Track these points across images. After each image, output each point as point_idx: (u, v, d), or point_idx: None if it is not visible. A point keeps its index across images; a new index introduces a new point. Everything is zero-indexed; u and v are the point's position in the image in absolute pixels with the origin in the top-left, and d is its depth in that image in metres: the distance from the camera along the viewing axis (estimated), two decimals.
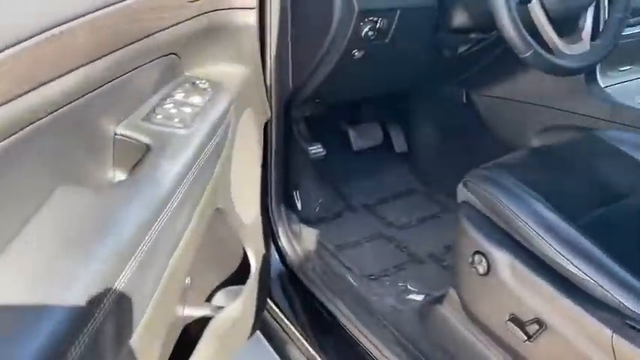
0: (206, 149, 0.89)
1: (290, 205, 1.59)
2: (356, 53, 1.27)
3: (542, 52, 1.10)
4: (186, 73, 1.02)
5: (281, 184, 1.50)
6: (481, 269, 1.07)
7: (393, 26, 1.25)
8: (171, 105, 0.90)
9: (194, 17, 0.96)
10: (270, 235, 1.50)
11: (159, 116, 0.87)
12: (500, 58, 1.57)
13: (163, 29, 0.87)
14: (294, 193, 1.68)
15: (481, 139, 1.74)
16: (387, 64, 1.39)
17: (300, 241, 1.54)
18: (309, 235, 1.60)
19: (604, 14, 1.24)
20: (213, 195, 0.95)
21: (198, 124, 0.89)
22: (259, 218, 1.32)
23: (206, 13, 1.00)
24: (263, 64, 1.32)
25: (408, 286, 1.47)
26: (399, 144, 1.87)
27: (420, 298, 1.42)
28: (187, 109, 0.90)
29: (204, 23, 1.00)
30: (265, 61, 1.32)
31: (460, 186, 1.18)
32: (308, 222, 1.69)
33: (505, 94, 1.65)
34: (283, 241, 1.50)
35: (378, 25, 1.22)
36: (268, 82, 1.35)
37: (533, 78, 1.55)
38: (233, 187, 1.09)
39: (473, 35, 1.39)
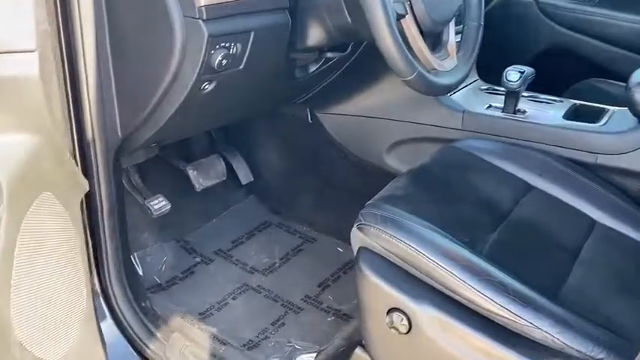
0: None
1: (130, 277, 1.26)
2: (207, 86, 1.02)
3: (425, 73, 0.99)
4: None
5: (120, 255, 1.17)
6: (402, 329, 0.93)
7: (248, 50, 1.02)
8: None
9: None
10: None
11: None
12: (344, 74, 1.46)
13: None
14: (132, 258, 1.35)
15: (330, 158, 1.62)
16: (239, 92, 1.16)
17: (152, 319, 1.23)
18: (163, 309, 1.30)
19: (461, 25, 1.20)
20: None
21: None
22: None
23: None
24: (79, 114, 0.99)
25: (295, 346, 1.27)
26: (244, 175, 1.65)
27: (312, 357, 1.24)
28: None
29: None
30: (82, 110, 0.99)
31: (354, 230, 1.02)
32: (157, 290, 1.37)
33: (351, 110, 1.54)
34: (134, 327, 1.18)
35: (231, 51, 0.99)
36: (89, 136, 1.03)
37: (378, 92, 1.48)
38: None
39: (329, 54, 1.23)
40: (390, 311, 0.94)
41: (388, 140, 1.50)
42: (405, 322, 0.92)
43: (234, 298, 1.40)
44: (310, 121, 1.58)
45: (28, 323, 0.70)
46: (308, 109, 1.56)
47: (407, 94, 1.32)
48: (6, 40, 0.67)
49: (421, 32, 1.02)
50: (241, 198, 1.69)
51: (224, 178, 1.57)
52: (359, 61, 1.40)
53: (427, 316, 0.91)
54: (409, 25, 0.99)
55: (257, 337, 1.29)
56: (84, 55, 0.96)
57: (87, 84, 0.99)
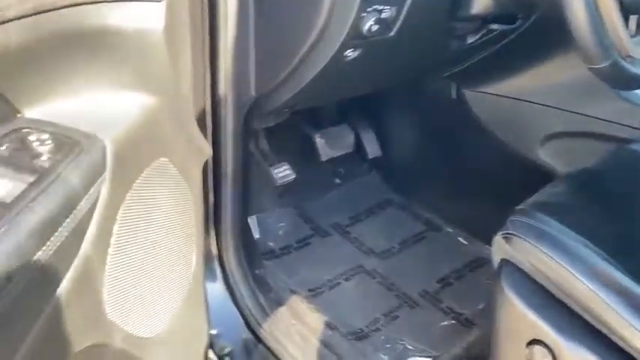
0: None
1: (246, 240, 1.22)
2: (350, 54, 0.91)
3: (621, 61, 0.79)
4: (26, 114, 0.59)
5: (239, 219, 1.13)
6: None
7: (402, 16, 0.89)
8: None
9: (38, 14, 0.53)
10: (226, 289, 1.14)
11: None
12: (504, 49, 1.26)
13: None
14: (251, 222, 1.31)
15: (472, 141, 1.44)
16: (385, 62, 1.04)
17: (264, 289, 1.19)
18: (274, 278, 1.25)
19: None
20: None
21: None
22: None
23: (70, 6, 0.57)
24: (213, 69, 0.93)
25: (407, 345, 1.17)
26: (372, 148, 1.53)
27: None
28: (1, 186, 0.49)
29: (63, 25, 0.57)
30: (217, 65, 0.93)
31: (498, 239, 0.87)
32: (270, 257, 1.33)
33: (504, 90, 1.34)
34: (245, 296, 1.14)
35: (383, 16, 0.86)
36: (222, 92, 0.97)
37: (542, 73, 1.26)
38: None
39: (494, 25, 1.06)
40: (531, 343, 0.79)
41: (545, 130, 1.29)
42: (550, 359, 0.78)
43: (346, 279, 1.32)
44: (454, 98, 1.41)
45: (124, 297, 0.66)
46: (454, 84, 1.39)
47: (578, 79, 1.11)
48: None
49: (620, 5, 0.81)
50: (365, 173, 1.58)
51: (350, 150, 1.48)
52: (525, 36, 1.20)
53: (577, 356, 0.75)
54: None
55: (367, 327, 1.20)
56: (226, 5, 0.89)
57: (225, 38, 0.92)
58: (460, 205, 1.47)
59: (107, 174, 0.57)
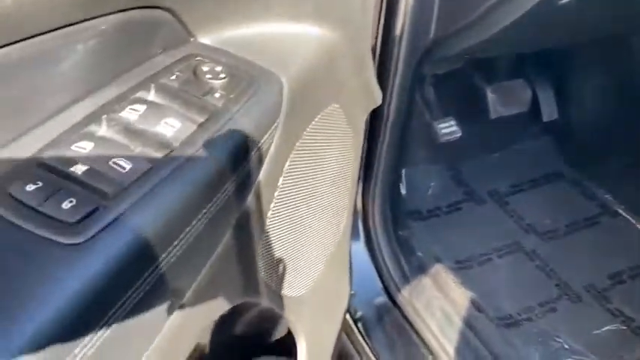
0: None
1: (394, 196, 1.11)
2: None
3: None
4: (200, 39, 0.51)
5: (391, 172, 1.02)
6: None
7: None
8: (136, 112, 0.41)
9: None
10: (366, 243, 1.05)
11: (102, 132, 0.39)
12: None
13: None
14: (401, 175, 1.20)
15: None
16: (603, 6, 0.83)
17: (406, 252, 1.09)
18: (419, 242, 1.14)
19: None
20: None
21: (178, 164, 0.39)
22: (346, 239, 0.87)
23: None
24: (390, 5, 0.80)
25: (564, 344, 1.01)
26: (549, 110, 1.32)
27: None
28: (167, 124, 0.40)
29: None
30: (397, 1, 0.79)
31: None
32: (416, 219, 1.22)
33: None
34: (386, 257, 1.05)
35: None
36: (398, 29, 0.84)
37: None
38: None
39: None
40: None
41: None
42: None
43: (500, 256, 1.17)
44: None
45: (278, 254, 0.59)
46: None
47: None
48: None
49: None
50: (536, 137, 1.37)
51: (525, 109, 1.28)
52: None
53: None
54: None
55: (519, 314, 1.06)
56: None
57: None
58: None
59: (281, 119, 0.48)
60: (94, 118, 0.40)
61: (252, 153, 0.44)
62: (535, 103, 1.31)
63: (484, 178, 1.32)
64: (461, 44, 0.89)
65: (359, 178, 1.04)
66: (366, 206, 1.06)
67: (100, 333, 0.33)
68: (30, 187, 0.34)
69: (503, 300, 1.08)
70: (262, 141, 0.46)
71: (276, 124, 0.48)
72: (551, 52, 1.29)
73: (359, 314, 1.02)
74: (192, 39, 0.49)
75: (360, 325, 1.04)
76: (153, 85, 0.43)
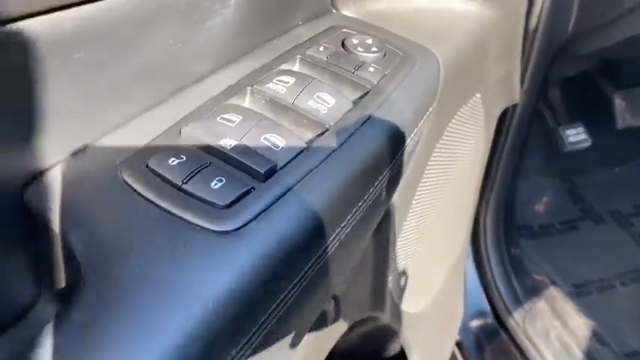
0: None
1: (507, 209, 1.01)
2: None
3: None
4: (342, 11, 0.44)
5: (506, 181, 0.93)
6: None
7: None
8: (283, 85, 0.35)
9: None
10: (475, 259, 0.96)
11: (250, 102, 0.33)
12: None
13: None
14: (516, 186, 1.10)
15: None
16: None
17: (519, 273, 0.99)
18: (531, 261, 1.04)
19: None
20: None
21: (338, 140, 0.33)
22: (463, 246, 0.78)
23: None
24: None
25: None
26: None
27: None
28: (319, 100, 0.34)
29: None
30: None
31: None
32: (526, 235, 1.11)
33: None
34: (496, 276, 0.95)
35: None
36: (534, 20, 0.75)
37: None
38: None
39: None
40: None
41: None
42: None
43: (623, 283, 1.04)
44: None
45: (404, 264, 0.51)
46: None
47: None
48: None
49: None
50: None
51: None
52: None
53: None
54: None
55: None
56: None
57: None
58: None
59: (435, 103, 0.41)
60: (237, 88, 0.34)
61: (409, 140, 0.38)
62: None
63: (604, 195, 1.18)
64: (600, 42, 0.78)
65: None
66: (477, 220, 0.97)
67: (254, 337, 0.28)
68: (172, 161, 0.29)
69: (629, 333, 0.95)
70: (419, 126, 0.39)
71: (432, 108, 0.41)
72: None
73: (461, 335, 0.93)
74: (334, 11, 0.44)
75: (463, 346, 0.94)
76: (299, 57, 0.37)
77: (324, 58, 0.38)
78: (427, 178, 0.49)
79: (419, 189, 0.48)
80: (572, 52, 0.85)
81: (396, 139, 0.36)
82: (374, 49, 0.39)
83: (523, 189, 1.16)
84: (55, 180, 0.29)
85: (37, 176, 0.29)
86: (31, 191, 0.28)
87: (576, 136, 0.94)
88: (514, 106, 0.84)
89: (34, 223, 0.29)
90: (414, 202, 0.48)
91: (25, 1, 0.23)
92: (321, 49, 0.38)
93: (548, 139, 1.02)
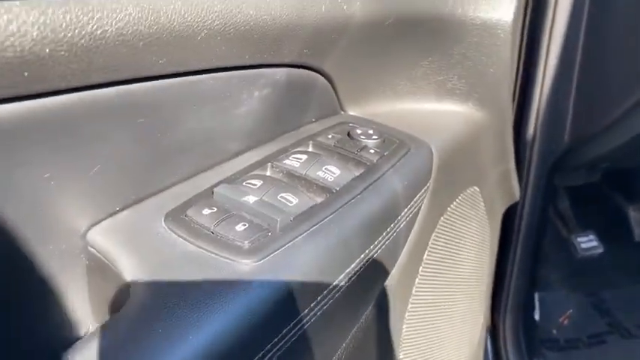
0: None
1: (526, 318, 1.02)
2: None
3: None
4: (350, 112, 0.53)
5: (523, 290, 0.95)
6: None
7: None
8: (298, 160, 0.42)
9: None
10: None
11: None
12: None
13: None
14: (534, 297, 1.11)
15: None
16: None
17: None
18: None
19: None
20: None
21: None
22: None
23: None
24: (527, 99, 0.79)
25: None
26: None
27: None
28: (327, 170, 0.41)
29: (408, 8, 0.49)
30: (530, 97, 0.79)
31: None
32: (552, 348, 1.09)
33: None
34: None
35: None
36: (530, 131, 0.82)
37: None
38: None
39: None
40: None
41: None
42: None
43: None
44: None
45: (414, 351, 0.54)
46: None
47: None
48: None
49: None
50: None
51: None
52: None
53: None
54: None
55: None
56: (552, 23, 0.75)
57: (544, 63, 0.78)
58: None
59: (430, 185, 0.48)
60: (260, 164, 0.43)
61: (405, 211, 0.44)
62: None
63: (631, 309, 1.17)
64: (599, 149, 0.85)
65: (491, 294, 0.98)
66: (496, 324, 0.98)
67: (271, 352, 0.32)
68: (206, 211, 0.37)
69: None
70: (413, 201, 0.46)
71: (426, 187, 0.48)
72: None
73: None
74: (342, 112, 0.53)
75: None
76: (311, 142, 0.46)
77: (332, 144, 0.46)
78: (433, 255, 0.54)
79: (427, 265, 0.53)
80: (574, 160, 0.91)
81: (391, 207, 0.43)
82: (374, 136, 0.47)
83: (547, 302, 1.17)
84: (113, 224, 0.36)
85: (100, 221, 0.36)
86: (94, 232, 0.35)
87: (587, 243, 0.98)
88: (520, 218, 0.89)
89: (94, 260, 0.36)
90: (421, 277, 0.52)
91: (111, 69, 0.32)
92: (330, 136, 0.47)
93: (563, 249, 1.06)
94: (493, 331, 0.99)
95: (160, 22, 0.31)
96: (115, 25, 0.29)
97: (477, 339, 0.79)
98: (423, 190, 0.47)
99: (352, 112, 0.54)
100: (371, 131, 0.48)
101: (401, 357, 0.54)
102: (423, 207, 0.48)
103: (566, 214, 1.03)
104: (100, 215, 0.36)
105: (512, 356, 0.97)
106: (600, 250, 0.99)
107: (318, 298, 0.36)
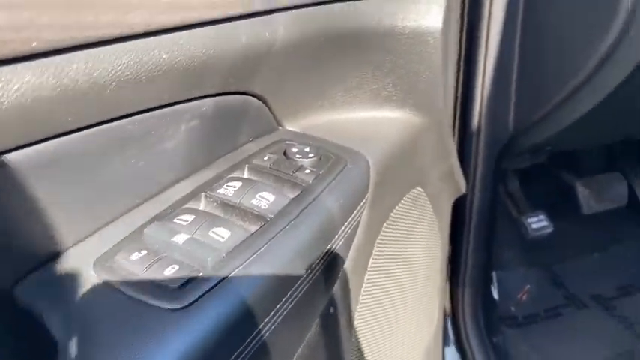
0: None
1: (485, 299, 1.05)
2: None
3: None
4: (287, 127, 0.53)
5: (479, 273, 0.98)
6: None
7: None
8: (232, 188, 0.43)
9: (307, 6, 0.46)
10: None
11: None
12: None
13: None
14: (492, 276, 1.14)
15: None
16: None
17: (501, 359, 1.00)
18: (516, 351, 1.05)
19: None
20: None
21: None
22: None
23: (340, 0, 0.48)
24: (469, 93, 0.81)
25: None
26: None
27: None
28: (261, 198, 0.41)
29: (331, 23, 0.48)
30: (472, 91, 0.80)
31: None
32: (511, 325, 1.13)
33: None
34: (477, 358, 0.97)
35: None
36: (475, 123, 0.84)
37: None
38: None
39: None
40: None
41: None
42: None
43: None
44: None
45: (365, 353, 0.55)
46: None
47: None
48: None
49: None
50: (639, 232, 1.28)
51: (622, 204, 1.21)
52: None
53: None
54: None
55: None
56: (488, 22, 0.76)
57: (484, 60, 0.80)
58: None
59: (369, 197, 0.49)
60: (193, 195, 0.42)
61: (343, 228, 0.44)
62: (634, 196, 1.24)
63: (586, 281, 1.22)
64: (541, 135, 0.87)
65: (447, 279, 1.00)
66: (455, 308, 1.01)
67: None
68: (135, 256, 0.36)
69: None
70: (352, 217, 0.46)
71: (365, 201, 0.48)
72: None
73: None
74: (279, 127, 0.53)
75: None
76: (247, 166, 0.45)
77: (268, 165, 0.45)
78: (379, 260, 0.55)
79: (372, 272, 0.54)
80: (519, 146, 0.93)
81: (327, 228, 0.43)
82: (311, 154, 0.47)
83: (505, 280, 1.20)
84: (41, 277, 0.35)
85: (26, 275, 0.35)
86: (20, 287, 0.34)
87: (538, 223, 1.00)
88: (471, 204, 0.91)
89: (21, 315, 0.35)
90: (367, 285, 0.53)
91: (17, 136, 0.31)
92: (266, 158, 0.46)
93: (515, 230, 1.09)
94: (453, 316, 1.02)
95: (64, 83, 0.30)
96: (13, 95, 0.28)
97: (434, 329, 0.81)
98: (361, 204, 0.47)
99: (290, 126, 0.53)
100: (307, 149, 0.48)
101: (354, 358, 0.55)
102: (362, 219, 0.49)
103: (517, 196, 1.06)
104: (26, 269, 0.35)
105: (473, 338, 1.00)
106: (550, 230, 1.02)
107: (256, 331, 0.36)
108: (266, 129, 0.51)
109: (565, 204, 1.19)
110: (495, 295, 1.18)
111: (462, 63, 0.81)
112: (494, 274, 1.19)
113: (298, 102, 0.52)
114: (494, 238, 1.01)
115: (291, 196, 0.43)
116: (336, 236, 0.44)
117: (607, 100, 0.76)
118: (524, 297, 1.20)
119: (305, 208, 0.42)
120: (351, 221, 0.46)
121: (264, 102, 0.49)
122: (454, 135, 0.86)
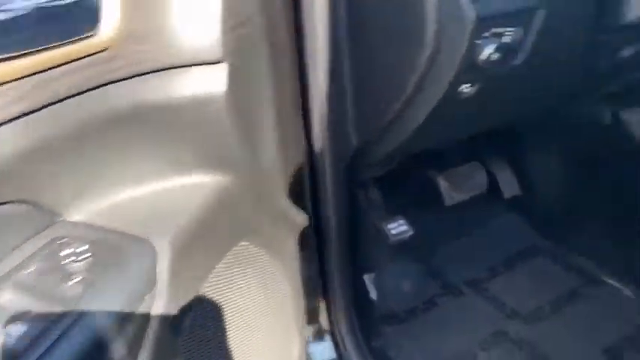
0: None
1: (362, 301, 1.08)
2: (465, 90, 0.74)
3: None
4: (68, 218, 0.51)
5: (348, 288, 1.00)
6: None
7: (532, 37, 0.70)
8: None
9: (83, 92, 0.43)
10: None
11: None
12: None
13: None
14: (366, 280, 1.17)
15: (632, 173, 1.16)
16: (511, 94, 0.85)
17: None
18: (398, 349, 1.09)
19: None
20: None
21: None
22: None
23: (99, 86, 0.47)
24: (306, 117, 0.81)
25: None
26: (509, 187, 1.31)
27: None
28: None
29: (102, 107, 0.47)
30: (310, 114, 0.81)
31: None
32: (392, 323, 1.17)
33: None
34: None
35: (505, 40, 0.68)
36: (317, 144, 0.85)
37: None
38: None
39: None
40: None
41: None
42: None
43: (484, 349, 1.10)
44: (609, 124, 1.15)
45: None
46: (608, 108, 1.13)
47: None
48: (190, 50, 0.48)
49: None
50: (501, 215, 1.36)
51: (482, 191, 1.27)
52: None
53: None
54: None
55: None
56: (314, 47, 0.76)
57: (315, 81, 0.80)
58: (623, 250, 1.19)
59: (160, 287, 0.47)
60: None
61: (122, 329, 0.42)
62: (493, 182, 1.31)
63: (458, 268, 1.28)
64: (386, 146, 0.89)
65: (319, 298, 1.01)
66: (332, 324, 1.02)
67: None
68: None
69: None
70: (135, 315, 0.44)
71: (152, 294, 0.46)
72: (503, 131, 1.30)
73: None
74: (60, 219, 0.49)
75: None
76: (8, 290, 0.42)
77: (32, 281, 0.42)
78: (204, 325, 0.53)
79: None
80: (373, 156, 0.95)
81: (102, 340, 0.40)
82: (85, 254, 0.44)
83: (380, 280, 1.23)
84: None
85: None
86: None
87: (397, 228, 1.04)
88: (327, 217, 0.92)
89: None
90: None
91: None
92: (31, 270, 0.43)
93: (380, 235, 1.11)
94: (332, 332, 1.04)
95: None
96: None
97: (297, 353, 0.81)
98: (147, 298, 0.45)
99: (74, 214, 0.50)
100: (82, 248, 0.45)
101: None
102: (157, 305, 0.47)
103: (377, 203, 1.09)
104: None
105: (351, 350, 1.02)
106: (410, 233, 1.05)
107: None
108: (42, 226, 0.48)
109: (429, 198, 1.23)
110: (374, 296, 1.21)
111: (295, 89, 0.81)
112: (368, 277, 1.22)
113: (76, 190, 0.49)
114: (360, 247, 1.03)
115: (56, 313, 0.40)
116: (118, 342, 0.42)
117: (437, 111, 0.78)
118: (401, 294, 1.24)
119: (68, 327, 0.39)
120: (135, 318, 0.44)
121: (32, 204, 0.45)
122: (301, 157, 0.86)
